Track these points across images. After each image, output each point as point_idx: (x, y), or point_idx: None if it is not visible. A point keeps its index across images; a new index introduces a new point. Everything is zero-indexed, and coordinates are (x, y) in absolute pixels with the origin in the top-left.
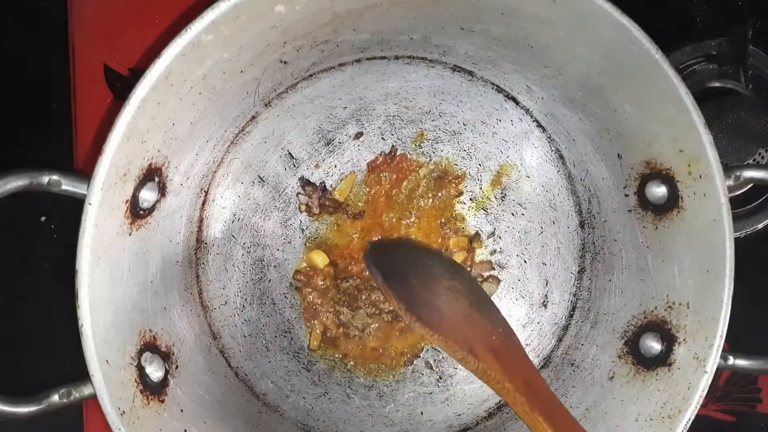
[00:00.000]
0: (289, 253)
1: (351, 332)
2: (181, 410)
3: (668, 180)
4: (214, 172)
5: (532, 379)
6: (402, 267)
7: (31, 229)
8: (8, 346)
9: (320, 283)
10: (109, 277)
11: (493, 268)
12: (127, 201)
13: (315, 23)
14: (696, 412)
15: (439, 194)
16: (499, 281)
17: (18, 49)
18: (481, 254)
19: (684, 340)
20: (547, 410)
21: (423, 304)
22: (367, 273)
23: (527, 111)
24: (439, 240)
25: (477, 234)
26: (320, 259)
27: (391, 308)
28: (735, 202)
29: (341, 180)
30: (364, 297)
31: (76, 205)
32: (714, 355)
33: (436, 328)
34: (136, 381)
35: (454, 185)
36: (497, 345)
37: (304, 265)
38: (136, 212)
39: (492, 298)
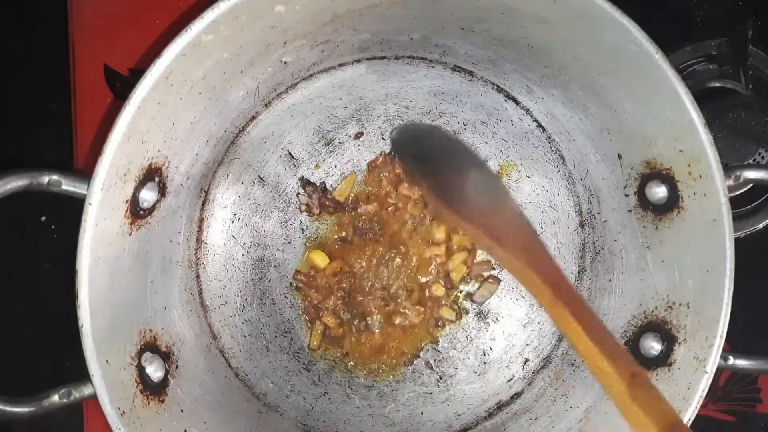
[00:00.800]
0: (289, 253)
1: (352, 330)
2: (181, 410)
3: (668, 180)
4: (214, 172)
5: (556, 273)
6: (430, 155)
7: (31, 229)
8: (8, 346)
9: (321, 282)
10: (109, 277)
11: (493, 268)
12: (127, 201)
13: (315, 23)
14: (696, 412)
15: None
16: (499, 281)
17: (18, 49)
18: (481, 254)
19: (684, 340)
20: (570, 302)
21: (452, 193)
22: (367, 273)
23: (527, 111)
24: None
25: None
26: (320, 259)
27: (392, 307)
28: (735, 202)
29: (341, 180)
30: (364, 297)
31: (76, 205)
32: (714, 355)
33: (467, 217)
34: (136, 381)
35: None
36: (524, 238)
37: (305, 265)
38: (136, 212)
39: (492, 298)
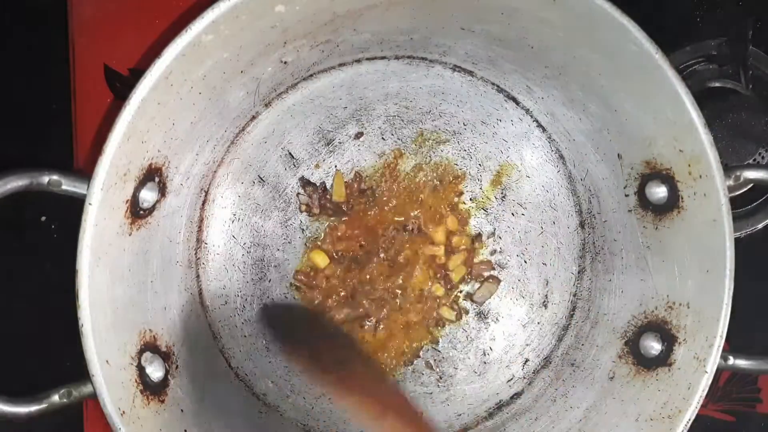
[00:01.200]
0: (289, 253)
1: (354, 330)
2: (181, 410)
3: (668, 180)
4: (214, 172)
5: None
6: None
7: (31, 229)
8: (8, 346)
9: (320, 282)
10: (109, 277)
11: (493, 268)
12: (127, 201)
13: (315, 23)
14: (696, 412)
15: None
16: (499, 281)
17: (18, 49)
18: (481, 254)
19: (684, 340)
20: None
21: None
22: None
23: (527, 111)
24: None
25: (479, 235)
26: (320, 259)
27: (392, 306)
28: (735, 202)
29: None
30: (364, 298)
31: (76, 205)
32: (714, 355)
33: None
34: (136, 381)
35: (454, 185)
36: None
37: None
38: (136, 212)
39: (492, 298)
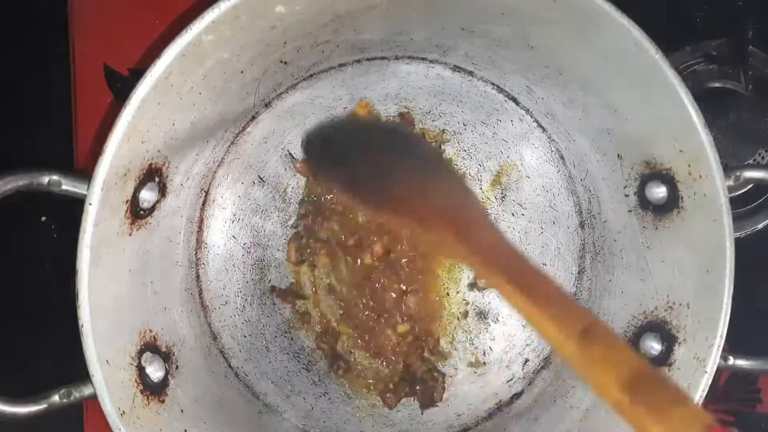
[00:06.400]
0: None
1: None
2: (181, 410)
3: (668, 180)
4: (215, 172)
5: (486, 236)
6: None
7: (31, 229)
8: (8, 346)
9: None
10: (109, 277)
11: None
12: (127, 201)
13: (315, 23)
14: None
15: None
16: None
17: (18, 49)
18: None
19: (684, 340)
20: (501, 262)
21: (365, 186)
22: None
23: (527, 111)
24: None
25: None
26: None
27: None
28: (735, 202)
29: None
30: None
31: (76, 205)
32: (714, 356)
33: (379, 208)
34: (136, 381)
35: None
36: (453, 214)
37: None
38: (137, 212)
39: (493, 295)
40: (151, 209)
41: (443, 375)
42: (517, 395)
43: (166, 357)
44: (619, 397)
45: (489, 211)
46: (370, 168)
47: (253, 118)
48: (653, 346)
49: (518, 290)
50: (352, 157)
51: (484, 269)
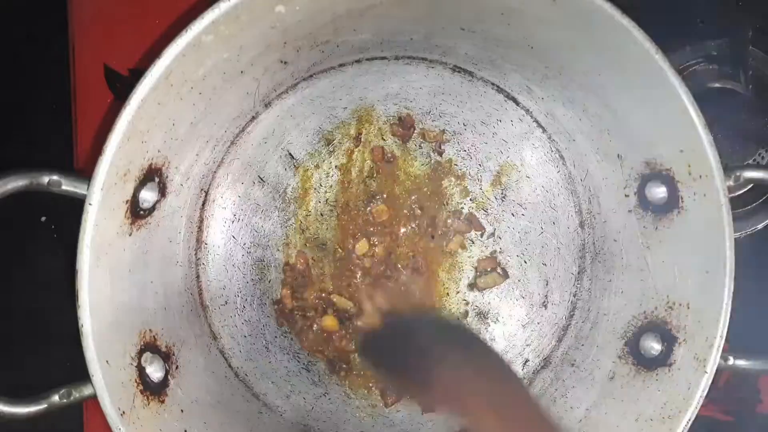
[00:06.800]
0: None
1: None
2: (181, 410)
3: (668, 180)
4: (214, 172)
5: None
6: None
7: (31, 229)
8: (8, 346)
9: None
10: (109, 277)
11: (499, 264)
12: (127, 201)
13: (315, 24)
14: (696, 412)
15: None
16: (507, 276)
17: (18, 49)
18: (482, 254)
19: (684, 340)
20: None
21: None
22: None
23: (527, 111)
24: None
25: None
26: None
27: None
28: (735, 202)
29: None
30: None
31: (76, 205)
32: (714, 356)
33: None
34: (136, 381)
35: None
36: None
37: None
38: (136, 212)
39: (493, 295)
40: (151, 209)
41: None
42: None
43: (166, 357)
44: None
45: (489, 211)
46: (417, 361)
47: (253, 118)
48: (653, 346)
49: None
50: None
51: None
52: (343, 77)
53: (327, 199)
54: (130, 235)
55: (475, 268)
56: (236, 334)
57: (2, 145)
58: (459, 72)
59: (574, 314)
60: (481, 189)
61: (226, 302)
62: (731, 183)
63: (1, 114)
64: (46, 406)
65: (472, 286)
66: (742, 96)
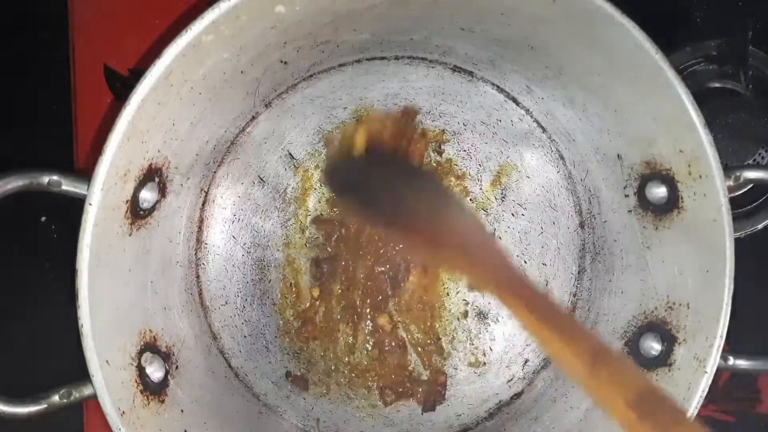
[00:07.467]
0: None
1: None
2: (181, 410)
3: (668, 180)
4: (214, 172)
5: (505, 268)
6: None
7: (31, 229)
8: (8, 346)
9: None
10: (109, 277)
11: None
12: (127, 201)
13: (315, 24)
14: (696, 412)
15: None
16: None
17: (18, 49)
18: None
19: (684, 340)
20: (519, 290)
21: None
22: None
23: (527, 111)
24: None
25: None
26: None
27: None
28: (735, 202)
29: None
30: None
31: (76, 205)
32: (714, 356)
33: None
34: (136, 381)
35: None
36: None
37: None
38: (137, 212)
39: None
40: (151, 209)
41: (445, 375)
42: (517, 395)
43: (166, 357)
44: (627, 415)
45: (489, 211)
46: (388, 196)
47: (253, 118)
48: (653, 346)
49: (537, 317)
50: (372, 188)
51: (507, 295)
52: (343, 77)
53: (327, 199)
54: (130, 235)
55: None
56: (236, 334)
57: (2, 145)
58: (459, 72)
59: (574, 314)
60: (481, 189)
61: (226, 302)
62: (731, 183)
63: (1, 114)
64: (46, 406)
65: (472, 286)
66: (742, 96)
